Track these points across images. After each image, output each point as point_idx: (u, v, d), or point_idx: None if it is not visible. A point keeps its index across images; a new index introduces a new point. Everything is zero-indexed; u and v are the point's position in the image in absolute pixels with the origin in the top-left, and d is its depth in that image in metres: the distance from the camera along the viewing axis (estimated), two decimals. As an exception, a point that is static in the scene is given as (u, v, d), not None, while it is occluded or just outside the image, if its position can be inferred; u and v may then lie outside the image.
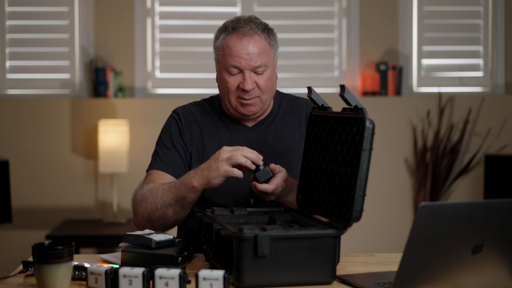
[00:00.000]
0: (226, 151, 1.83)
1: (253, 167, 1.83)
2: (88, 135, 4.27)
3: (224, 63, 2.03)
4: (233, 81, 2.03)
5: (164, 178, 2.06)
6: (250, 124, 2.13)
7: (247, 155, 1.82)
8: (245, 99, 2.02)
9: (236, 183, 1.94)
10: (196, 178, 1.86)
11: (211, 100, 2.20)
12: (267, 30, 2.06)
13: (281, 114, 2.16)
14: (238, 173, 1.82)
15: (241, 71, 2.01)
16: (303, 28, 4.43)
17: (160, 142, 2.15)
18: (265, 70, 2.03)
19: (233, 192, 2.04)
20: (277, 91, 2.20)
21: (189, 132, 2.13)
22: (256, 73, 2.02)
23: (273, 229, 1.54)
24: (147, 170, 2.12)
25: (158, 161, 2.10)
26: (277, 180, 1.86)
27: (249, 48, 2.00)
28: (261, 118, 2.14)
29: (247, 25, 2.02)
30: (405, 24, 4.46)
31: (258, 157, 1.84)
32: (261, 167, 1.85)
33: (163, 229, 1.99)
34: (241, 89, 2.02)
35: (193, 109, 2.17)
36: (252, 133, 2.12)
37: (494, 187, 4.00)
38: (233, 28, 2.03)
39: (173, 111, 2.18)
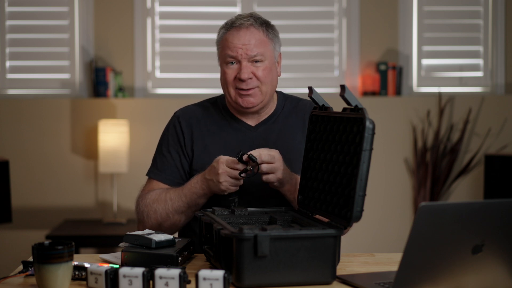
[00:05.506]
0: (223, 175, 1.91)
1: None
2: (88, 135, 4.27)
3: (222, 55, 2.08)
4: (231, 72, 2.06)
5: (161, 188, 2.12)
6: (253, 124, 2.14)
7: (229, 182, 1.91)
8: (243, 89, 2.05)
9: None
10: (203, 188, 1.97)
11: (214, 100, 2.21)
12: (266, 24, 2.10)
13: (285, 114, 2.17)
14: (235, 189, 1.94)
15: (238, 61, 2.05)
16: (303, 28, 4.43)
17: (158, 147, 2.20)
18: (263, 60, 2.05)
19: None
20: (281, 93, 2.22)
21: (189, 134, 2.14)
22: (253, 63, 2.05)
23: (273, 229, 1.54)
24: (147, 174, 2.18)
25: (155, 169, 2.16)
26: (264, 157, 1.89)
27: (245, 38, 2.05)
28: (264, 117, 2.15)
29: (245, 20, 2.08)
30: (405, 24, 4.46)
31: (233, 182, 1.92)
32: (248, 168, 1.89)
33: (172, 233, 2.05)
34: (238, 79, 2.05)
35: (195, 110, 2.19)
36: (255, 132, 2.13)
37: (494, 187, 4.00)
38: (232, 22, 2.09)
39: (174, 114, 2.20)
